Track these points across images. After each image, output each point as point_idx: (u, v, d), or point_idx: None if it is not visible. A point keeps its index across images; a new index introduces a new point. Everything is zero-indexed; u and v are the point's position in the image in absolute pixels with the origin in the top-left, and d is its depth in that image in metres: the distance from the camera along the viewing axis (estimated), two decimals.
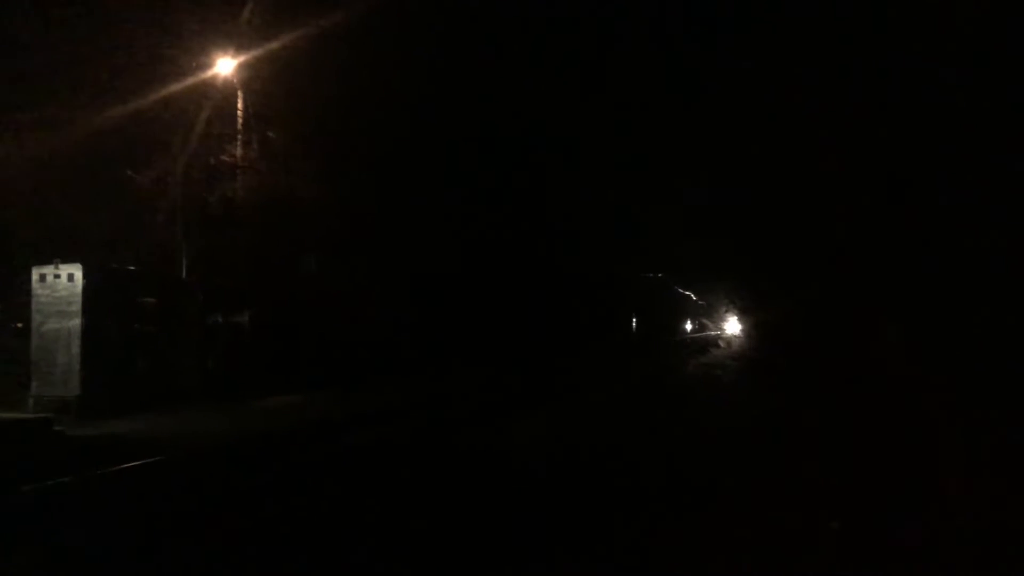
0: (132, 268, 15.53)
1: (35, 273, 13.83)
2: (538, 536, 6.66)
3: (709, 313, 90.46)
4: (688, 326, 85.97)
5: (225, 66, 17.46)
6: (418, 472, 9.47)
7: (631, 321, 55.35)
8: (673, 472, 9.23)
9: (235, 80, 17.99)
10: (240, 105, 18.37)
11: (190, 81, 17.02)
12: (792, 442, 11.00)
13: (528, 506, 7.59)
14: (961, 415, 11.92)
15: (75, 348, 13.53)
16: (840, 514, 7.09)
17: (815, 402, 15.35)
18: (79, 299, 13.58)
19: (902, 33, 16.83)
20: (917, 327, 17.09)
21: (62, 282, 13.64)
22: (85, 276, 13.64)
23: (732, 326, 71.20)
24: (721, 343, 49.82)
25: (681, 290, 77.63)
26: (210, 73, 17.28)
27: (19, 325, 14.97)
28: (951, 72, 15.59)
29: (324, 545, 6.47)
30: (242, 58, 17.66)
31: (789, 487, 8.24)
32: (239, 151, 18.66)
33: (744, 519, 7.06)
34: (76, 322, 13.55)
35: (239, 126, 18.55)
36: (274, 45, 17.76)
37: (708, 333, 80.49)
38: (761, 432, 11.90)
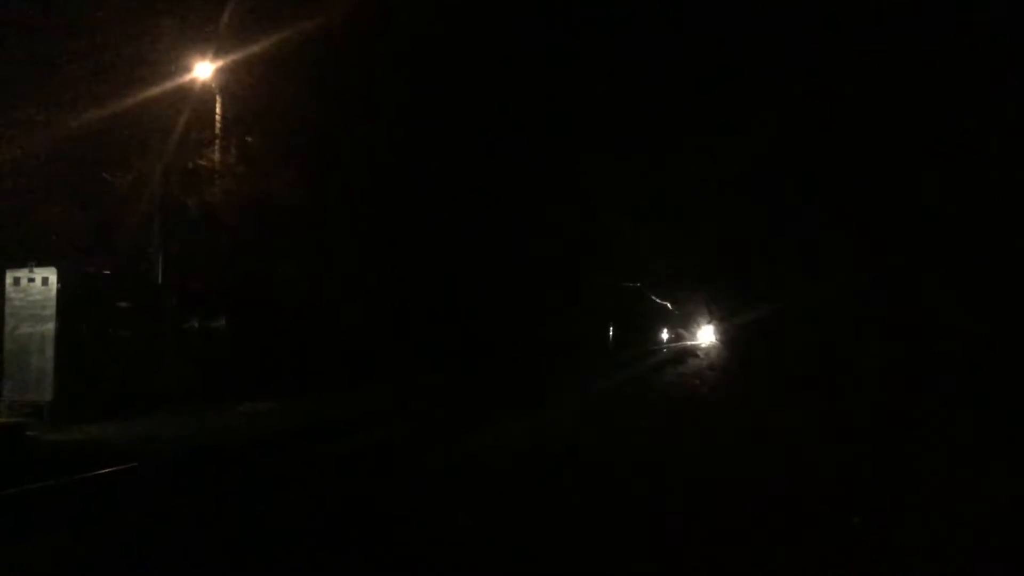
0: (107, 272, 15.38)
1: (9, 276, 13.67)
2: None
3: (685, 323, 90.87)
4: (664, 335, 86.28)
5: (204, 70, 17.35)
6: (383, 484, 9.34)
7: (608, 330, 55.45)
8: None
9: (214, 84, 17.89)
10: (219, 109, 18.27)
11: (168, 85, 16.86)
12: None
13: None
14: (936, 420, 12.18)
15: (49, 352, 13.38)
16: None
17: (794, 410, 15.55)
18: (53, 303, 13.44)
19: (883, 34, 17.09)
20: (894, 333, 17.33)
21: (36, 286, 13.49)
22: (60, 280, 13.51)
23: (707, 335, 71.67)
24: (699, 353, 50.01)
25: (658, 300, 77.88)
26: (188, 77, 17.16)
27: None
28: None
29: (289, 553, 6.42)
30: (221, 62, 17.57)
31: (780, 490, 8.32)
32: (217, 155, 18.55)
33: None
34: (50, 326, 13.40)
35: (217, 130, 18.46)
36: (254, 49, 17.67)
37: (685, 343, 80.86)
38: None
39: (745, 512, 7.55)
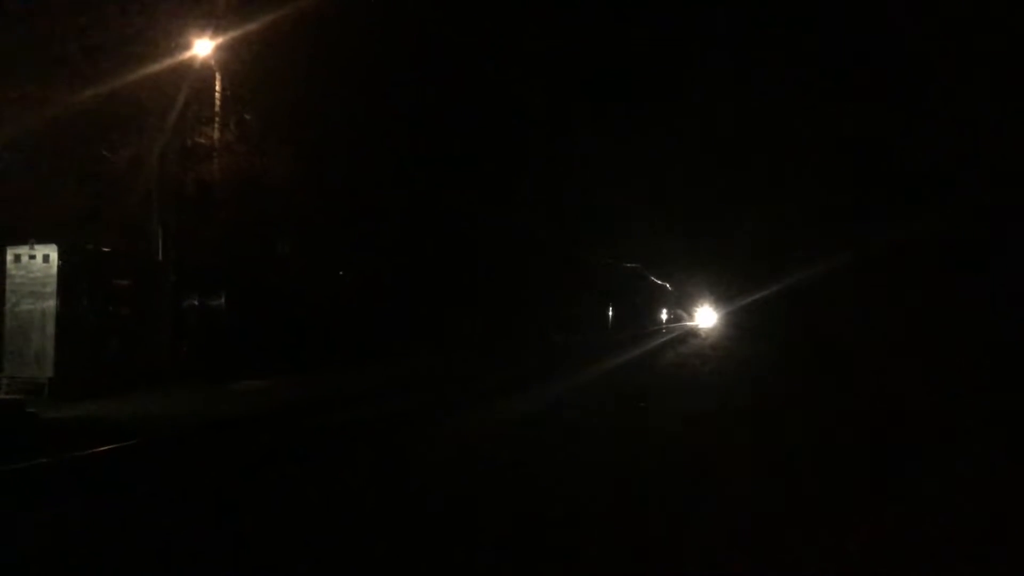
0: (107, 250, 15.41)
1: (10, 254, 13.71)
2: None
3: (684, 303, 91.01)
4: (664, 316, 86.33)
5: (203, 47, 17.30)
6: (378, 462, 9.40)
7: (608, 310, 55.51)
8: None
9: (213, 62, 17.84)
10: (218, 87, 18.23)
11: (167, 62, 16.81)
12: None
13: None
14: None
15: (49, 329, 13.45)
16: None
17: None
18: (54, 280, 13.49)
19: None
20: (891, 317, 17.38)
21: (37, 263, 13.53)
22: (60, 257, 13.56)
23: (708, 316, 71.77)
24: (701, 333, 50.03)
25: (657, 280, 77.95)
26: (188, 54, 17.10)
27: None
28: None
29: (298, 533, 6.51)
30: (220, 39, 17.51)
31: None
32: (216, 133, 18.53)
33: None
34: (51, 303, 13.46)
35: (216, 108, 18.42)
36: (253, 26, 17.61)
37: (684, 323, 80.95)
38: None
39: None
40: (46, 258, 13.55)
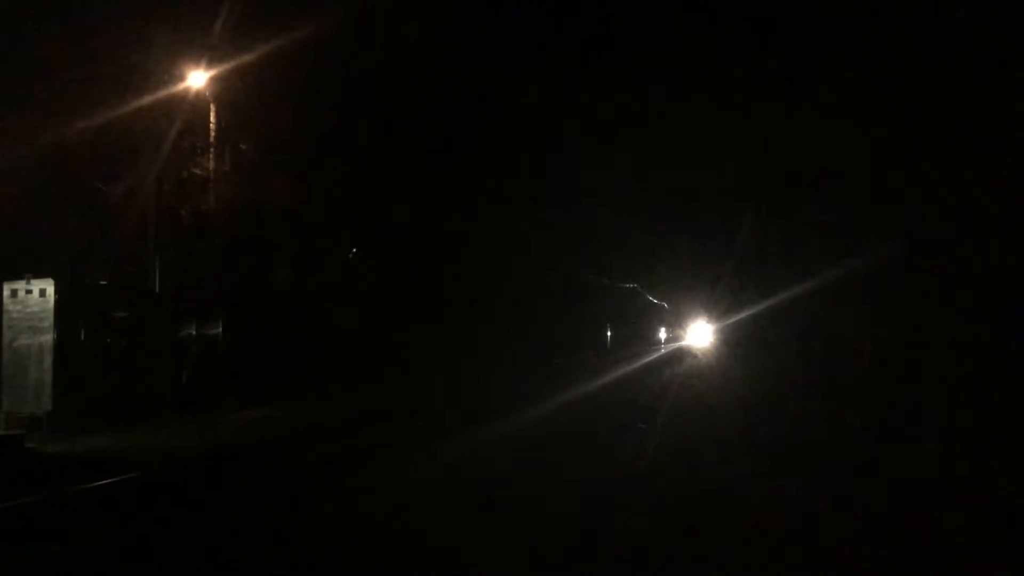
0: (104, 283, 15.41)
1: (6, 289, 13.67)
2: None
3: (682, 322, 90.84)
4: (662, 335, 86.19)
5: (197, 78, 17.37)
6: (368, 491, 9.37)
7: (606, 331, 55.47)
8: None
9: (207, 92, 17.90)
10: (212, 118, 18.29)
11: (162, 93, 16.89)
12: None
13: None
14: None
15: (47, 364, 13.38)
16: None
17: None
18: (51, 314, 13.44)
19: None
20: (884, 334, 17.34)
21: (34, 297, 13.49)
22: (57, 291, 13.51)
23: (705, 335, 71.55)
24: (698, 354, 49.88)
25: (653, 299, 77.95)
26: (182, 86, 17.17)
27: None
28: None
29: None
30: (214, 70, 17.58)
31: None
32: (212, 163, 18.57)
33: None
34: (48, 337, 13.40)
35: (211, 138, 18.47)
36: (247, 57, 17.69)
37: (682, 343, 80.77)
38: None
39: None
40: (43, 292, 13.51)
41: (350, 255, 23.39)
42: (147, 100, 16.60)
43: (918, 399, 14.05)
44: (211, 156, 18.64)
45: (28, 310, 13.52)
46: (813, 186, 20.74)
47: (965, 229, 15.31)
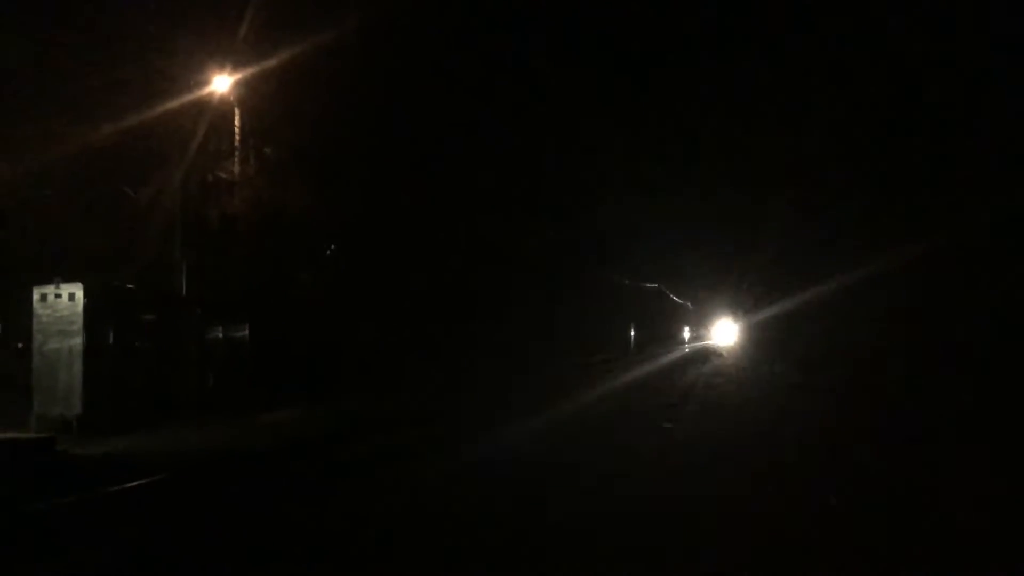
0: (131, 286, 15.54)
1: (36, 293, 13.85)
2: None
3: (705, 321, 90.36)
4: (686, 334, 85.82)
5: (222, 83, 17.51)
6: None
7: (630, 332, 55.34)
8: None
9: (232, 97, 18.05)
10: (237, 122, 18.43)
11: (187, 98, 17.05)
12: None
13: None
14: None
15: (76, 367, 13.54)
16: None
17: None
18: (80, 318, 13.60)
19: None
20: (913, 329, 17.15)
21: (63, 301, 13.65)
22: (86, 295, 13.67)
23: (730, 334, 71.08)
24: (723, 352, 49.59)
25: (677, 299, 77.70)
26: (207, 90, 17.32)
27: (20, 345, 14.99)
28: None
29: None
30: (239, 75, 17.71)
31: None
32: (237, 167, 18.71)
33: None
34: (77, 341, 13.56)
35: (236, 142, 18.62)
36: (271, 62, 17.81)
37: (707, 342, 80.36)
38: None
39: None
40: (72, 296, 13.67)
41: (373, 258, 23.43)
42: (173, 105, 16.78)
43: (958, 402, 13.87)
44: (236, 160, 18.81)
45: (58, 314, 13.69)
46: (838, 185, 20.60)
47: (994, 229, 15.15)
